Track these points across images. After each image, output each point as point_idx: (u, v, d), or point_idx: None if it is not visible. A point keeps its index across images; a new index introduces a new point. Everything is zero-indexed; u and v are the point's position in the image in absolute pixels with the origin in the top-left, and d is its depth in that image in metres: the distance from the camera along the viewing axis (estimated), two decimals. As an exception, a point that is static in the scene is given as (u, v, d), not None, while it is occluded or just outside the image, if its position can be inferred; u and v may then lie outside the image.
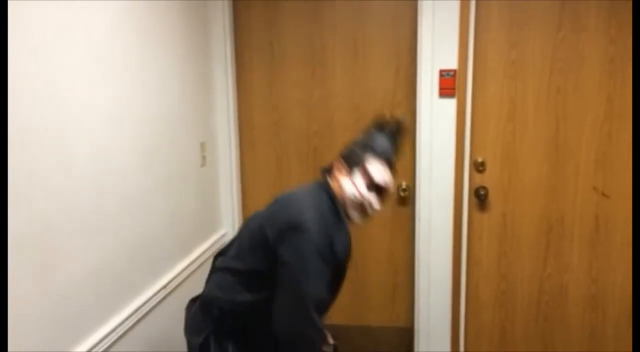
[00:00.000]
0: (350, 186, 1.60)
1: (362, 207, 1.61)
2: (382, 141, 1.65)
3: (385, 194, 1.64)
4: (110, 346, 1.69)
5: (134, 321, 1.86)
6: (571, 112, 2.57)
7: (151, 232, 2.03)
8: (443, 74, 2.55)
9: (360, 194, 1.59)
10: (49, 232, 1.41)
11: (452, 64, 2.54)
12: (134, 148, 1.90)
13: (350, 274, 2.74)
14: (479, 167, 2.66)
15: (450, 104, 2.58)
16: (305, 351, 1.52)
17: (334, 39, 2.70)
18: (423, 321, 2.77)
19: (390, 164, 1.65)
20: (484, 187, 2.67)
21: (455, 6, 2.50)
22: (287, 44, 2.73)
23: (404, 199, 2.76)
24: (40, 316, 1.39)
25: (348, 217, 1.64)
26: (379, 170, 1.61)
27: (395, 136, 1.68)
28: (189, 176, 2.41)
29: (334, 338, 1.75)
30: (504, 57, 2.58)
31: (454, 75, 2.55)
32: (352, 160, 1.63)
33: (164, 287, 2.10)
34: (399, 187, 2.74)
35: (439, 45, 2.54)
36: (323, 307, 1.53)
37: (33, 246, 1.35)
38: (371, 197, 1.60)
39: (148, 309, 1.96)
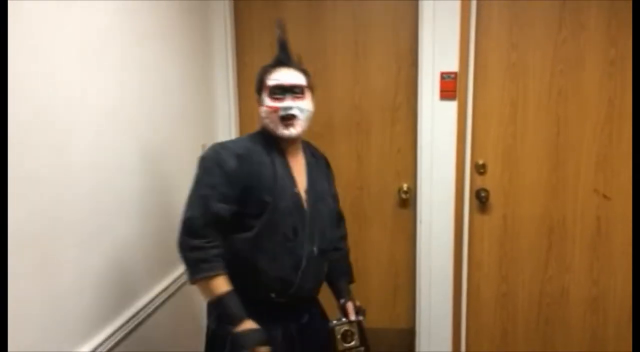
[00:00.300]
0: (260, 109, 1.68)
1: (277, 117, 1.63)
2: (272, 58, 1.72)
3: (293, 90, 1.65)
4: (112, 348, 1.69)
5: (136, 323, 1.86)
6: (572, 113, 2.57)
7: (152, 233, 2.03)
8: (444, 76, 2.55)
9: (267, 107, 1.65)
10: (49, 233, 1.41)
11: (453, 66, 2.55)
12: (135, 149, 1.90)
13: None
14: (480, 169, 2.66)
15: (451, 106, 2.58)
16: (188, 272, 1.57)
17: (334, 40, 2.70)
18: (424, 322, 2.77)
19: (287, 63, 1.69)
20: (485, 189, 2.67)
21: (456, 7, 2.50)
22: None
23: (405, 201, 2.76)
24: (41, 316, 1.39)
25: (281, 136, 1.65)
26: (273, 76, 1.66)
27: (281, 42, 1.73)
28: (190, 176, 2.40)
29: (358, 314, 1.76)
30: (505, 58, 2.58)
31: (454, 78, 2.55)
32: (256, 89, 1.72)
33: (165, 289, 2.10)
34: (400, 189, 2.74)
35: (439, 47, 2.54)
36: (192, 227, 1.55)
37: (34, 246, 1.35)
38: (280, 101, 1.63)
39: (150, 310, 1.96)
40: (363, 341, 1.71)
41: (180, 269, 2.22)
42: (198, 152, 2.48)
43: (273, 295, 1.63)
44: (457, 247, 2.69)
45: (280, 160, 1.67)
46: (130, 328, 1.81)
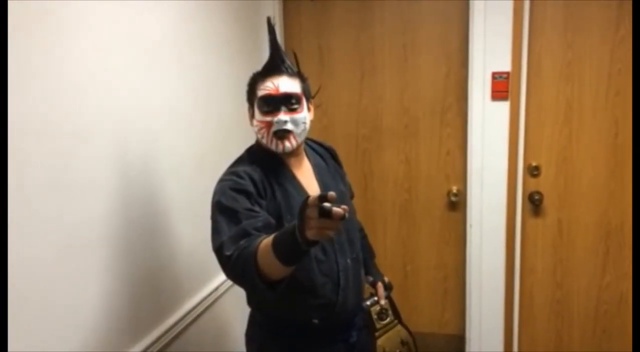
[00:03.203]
0: (252, 123, 1.51)
1: (270, 132, 1.45)
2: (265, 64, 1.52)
3: (286, 100, 1.45)
4: (165, 347, 1.73)
5: (186, 323, 1.89)
6: (631, 115, 2.47)
7: (203, 235, 2.06)
8: (495, 76, 2.50)
9: (258, 122, 1.46)
10: (102, 235, 1.45)
11: (505, 66, 2.49)
12: (188, 151, 1.94)
13: (399, 278, 2.74)
14: (533, 171, 2.59)
15: (503, 107, 2.52)
16: (247, 290, 1.45)
17: (382, 42, 2.69)
18: (474, 328, 2.71)
19: (277, 69, 1.47)
20: (538, 192, 2.59)
21: (508, 6, 2.45)
22: (336, 47, 2.74)
23: (454, 203, 2.72)
24: (93, 317, 1.43)
25: (277, 152, 1.48)
26: (263, 85, 1.46)
27: (270, 41, 1.53)
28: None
29: (386, 289, 1.79)
30: (560, 58, 2.50)
31: (507, 78, 2.49)
32: (247, 99, 1.54)
33: (216, 289, 2.13)
34: (449, 192, 2.70)
35: (491, 47, 2.49)
36: (220, 254, 1.30)
37: (86, 248, 1.39)
38: (272, 115, 1.44)
39: (200, 311, 2.00)
40: (396, 314, 1.78)
41: (221, 276, 2.25)
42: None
43: (316, 321, 1.50)
44: (509, 251, 2.63)
45: (286, 176, 1.50)
46: (182, 327, 1.85)
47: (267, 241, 1.19)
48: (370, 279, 1.80)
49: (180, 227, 1.89)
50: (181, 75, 1.89)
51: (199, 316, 1.99)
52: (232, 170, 1.48)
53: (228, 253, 1.26)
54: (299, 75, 1.53)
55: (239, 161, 1.54)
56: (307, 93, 1.53)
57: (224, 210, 1.36)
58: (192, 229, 1.97)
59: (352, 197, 1.81)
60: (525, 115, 2.54)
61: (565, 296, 2.67)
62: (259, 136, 1.51)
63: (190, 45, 1.96)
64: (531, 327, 2.72)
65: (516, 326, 2.71)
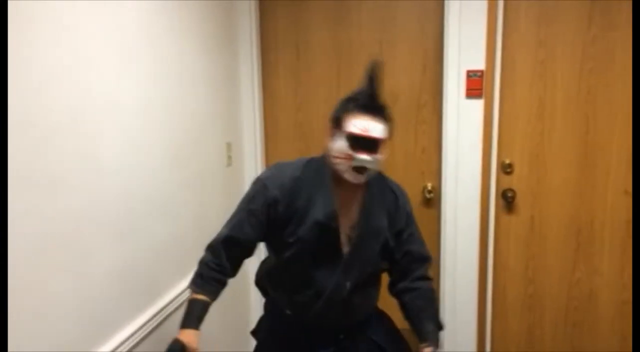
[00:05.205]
0: (332, 146, 1.56)
1: (349, 165, 1.52)
2: (359, 92, 1.59)
3: (373, 143, 1.52)
4: (135, 346, 1.71)
5: (159, 320, 1.88)
6: (602, 113, 2.51)
7: (177, 231, 2.05)
8: (470, 74, 2.52)
9: (340, 153, 1.53)
10: (75, 231, 1.43)
11: (479, 64, 2.51)
12: (162, 146, 1.92)
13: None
14: (506, 168, 2.62)
15: (478, 104, 2.55)
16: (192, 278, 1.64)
17: (359, 39, 2.69)
18: (448, 323, 2.73)
19: (373, 109, 1.53)
20: (511, 189, 2.63)
21: (483, 5, 2.47)
22: (313, 44, 2.73)
23: (429, 200, 2.74)
24: (65, 315, 1.40)
25: (344, 177, 1.57)
26: (357, 122, 1.51)
27: (371, 82, 1.58)
28: (215, 175, 2.43)
29: None
30: (533, 56, 2.53)
31: (481, 76, 2.52)
32: (333, 120, 1.59)
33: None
34: (424, 188, 2.72)
35: (465, 45, 2.51)
36: (210, 244, 1.64)
37: (59, 244, 1.37)
38: (356, 152, 1.51)
39: (173, 308, 1.98)
40: None
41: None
42: (223, 150, 2.51)
43: (288, 312, 1.69)
44: (482, 247, 2.66)
45: (327, 193, 1.59)
46: (154, 325, 1.83)
47: (199, 295, 1.57)
48: (421, 345, 1.63)
49: (155, 222, 1.87)
50: (156, 70, 1.87)
51: (173, 312, 1.98)
52: (274, 173, 1.65)
53: (207, 257, 1.63)
54: (390, 118, 1.58)
55: (293, 163, 1.67)
56: (391, 130, 1.59)
57: (242, 210, 1.65)
58: (166, 224, 1.96)
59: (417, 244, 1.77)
60: (499, 113, 2.57)
61: (537, 291, 2.71)
62: (335, 161, 1.56)
63: (165, 40, 1.94)
64: (504, 322, 2.76)
65: (489, 321, 2.75)
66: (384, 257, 1.69)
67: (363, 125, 1.50)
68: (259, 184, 1.63)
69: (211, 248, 1.63)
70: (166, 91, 1.95)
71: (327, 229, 1.58)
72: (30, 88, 1.24)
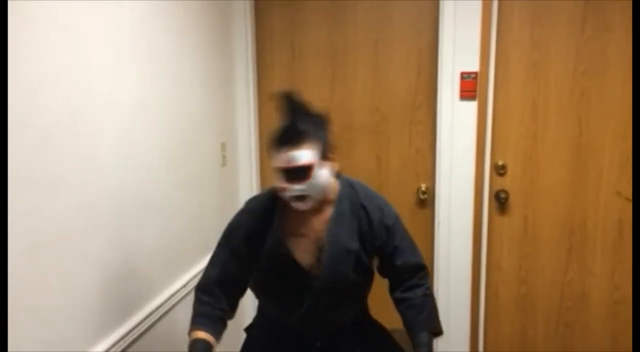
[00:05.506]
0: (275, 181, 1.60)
1: (288, 195, 1.55)
2: (278, 128, 1.56)
3: (301, 171, 1.51)
4: (129, 345, 1.71)
5: (154, 319, 1.88)
6: (595, 114, 2.53)
7: (171, 231, 2.05)
8: (464, 76, 2.54)
9: (279, 186, 1.56)
10: (74, 230, 1.43)
11: (473, 66, 2.53)
12: (159, 146, 1.92)
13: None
14: (499, 170, 2.64)
15: (471, 106, 2.56)
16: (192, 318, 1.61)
17: (354, 39, 2.69)
18: (442, 324, 2.74)
19: (291, 140, 1.51)
20: (504, 191, 2.64)
21: (477, 7, 2.48)
22: (308, 44, 2.73)
23: (423, 201, 2.75)
24: (59, 314, 1.40)
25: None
26: (280, 156, 1.52)
27: (287, 113, 1.57)
28: (210, 175, 2.43)
29: None
30: (526, 58, 2.55)
31: (475, 78, 2.53)
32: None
33: (184, 286, 2.12)
34: (418, 189, 2.73)
35: (460, 47, 2.52)
36: (204, 286, 1.62)
37: (55, 243, 1.37)
38: (289, 183, 1.52)
39: (167, 308, 1.98)
40: None
41: (198, 266, 2.25)
42: (218, 151, 2.51)
43: (273, 314, 1.74)
44: (475, 248, 2.67)
45: (272, 222, 1.62)
46: (148, 324, 1.83)
47: (199, 332, 1.52)
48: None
49: (151, 222, 1.87)
50: (152, 70, 1.87)
51: (167, 311, 1.98)
52: (245, 208, 1.70)
53: (202, 298, 1.60)
54: (315, 137, 1.54)
55: (258, 197, 1.74)
56: (324, 148, 1.57)
57: (223, 247, 1.65)
58: (162, 224, 1.96)
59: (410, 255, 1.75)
60: (493, 114, 2.59)
61: (530, 291, 2.73)
62: (280, 194, 1.59)
63: (161, 41, 1.94)
64: (497, 322, 2.78)
65: (482, 321, 2.76)
66: (360, 272, 1.65)
67: (285, 158, 1.51)
68: (237, 220, 1.68)
69: (202, 288, 1.63)
70: (163, 91, 1.95)
71: (278, 256, 1.60)
72: (29, 88, 1.25)
